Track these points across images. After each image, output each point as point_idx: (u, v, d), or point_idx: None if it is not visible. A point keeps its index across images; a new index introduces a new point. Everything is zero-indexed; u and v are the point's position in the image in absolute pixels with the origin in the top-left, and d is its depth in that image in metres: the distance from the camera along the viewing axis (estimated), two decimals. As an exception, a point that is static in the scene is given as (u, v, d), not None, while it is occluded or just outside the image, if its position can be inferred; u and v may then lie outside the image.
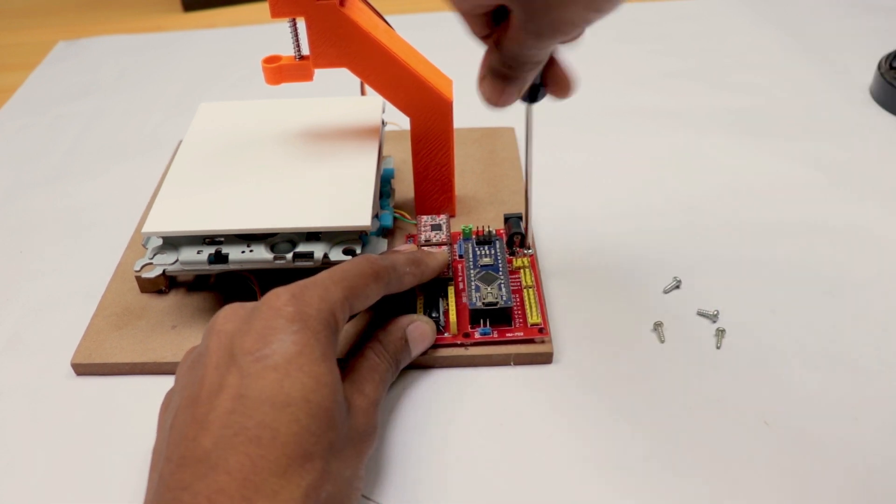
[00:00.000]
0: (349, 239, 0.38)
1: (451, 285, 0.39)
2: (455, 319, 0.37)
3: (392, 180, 0.46)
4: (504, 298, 0.37)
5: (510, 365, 0.37)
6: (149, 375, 0.37)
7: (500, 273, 0.39)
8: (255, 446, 0.25)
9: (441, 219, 0.41)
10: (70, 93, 0.66)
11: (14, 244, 0.47)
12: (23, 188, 0.53)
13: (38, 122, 0.61)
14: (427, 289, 0.39)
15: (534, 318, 0.37)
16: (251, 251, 0.37)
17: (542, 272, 0.42)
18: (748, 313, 0.39)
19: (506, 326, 0.37)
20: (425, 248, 0.39)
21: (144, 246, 0.40)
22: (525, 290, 0.39)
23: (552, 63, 0.33)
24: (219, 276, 0.42)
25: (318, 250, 0.37)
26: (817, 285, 0.41)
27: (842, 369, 0.36)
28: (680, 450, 0.33)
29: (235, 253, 0.37)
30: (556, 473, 0.32)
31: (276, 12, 0.37)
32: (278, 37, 0.55)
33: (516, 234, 0.41)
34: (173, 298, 0.41)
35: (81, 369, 0.38)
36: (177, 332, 0.39)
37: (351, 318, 0.32)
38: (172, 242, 0.38)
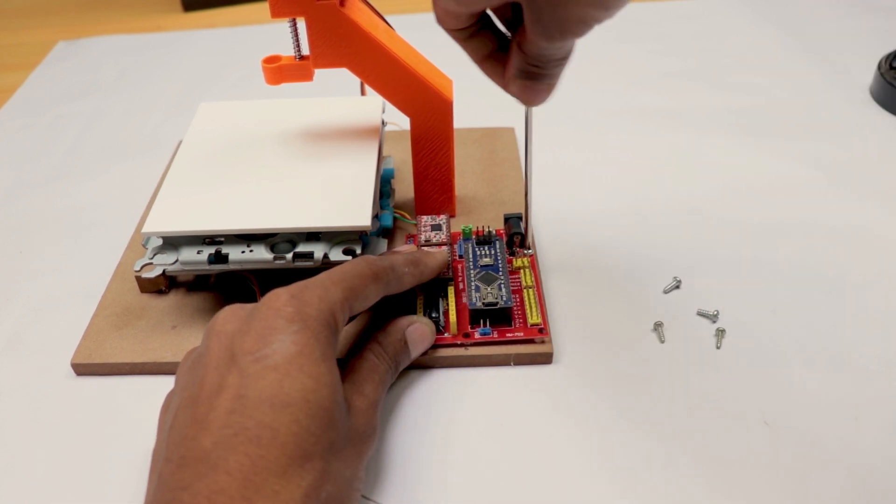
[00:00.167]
0: (349, 239, 0.38)
1: (451, 285, 0.39)
2: (455, 319, 0.37)
3: (392, 180, 0.46)
4: (504, 298, 0.37)
5: (510, 365, 0.37)
6: (149, 375, 0.37)
7: (500, 273, 0.39)
8: (255, 446, 0.25)
9: (441, 219, 0.41)
10: (70, 93, 0.66)
11: (14, 244, 0.47)
12: (23, 188, 0.53)
13: (38, 122, 0.61)
14: (427, 289, 0.39)
15: (534, 318, 0.37)
16: (251, 251, 0.37)
17: (542, 272, 0.42)
18: (748, 313, 0.39)
19: (506, 326, 0.37)
20: (425, 249, 0.39)
21: (144, 246, 0.40)
22: (525, 291, 0.39)
23: None
24: (219, 276, 0.42)
25: (318, 250, 0.37)
26: (817, 285, 0.41)
27: (842, 369, 0.36)
28: (680, 450, 0.33)
29: (235, 253, 0.37)
30: (556, 473, 0.32)
31: (276, 12, 0.37)
32: (278, 37, 0.56)
33: (516, 235, 0.41)
34: (173, 298, 0.41)
35: (81, 369, 0.38)
36: (177, 332, 0.39)
37: (351, 319, 0.32)
38: (172, 242, 0.38)
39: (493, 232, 0.42)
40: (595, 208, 0.47)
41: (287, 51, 0.40)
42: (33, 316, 0.42)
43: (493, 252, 0.41)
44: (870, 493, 0.31)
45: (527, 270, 0.40)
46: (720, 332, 0.38)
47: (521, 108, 0.35)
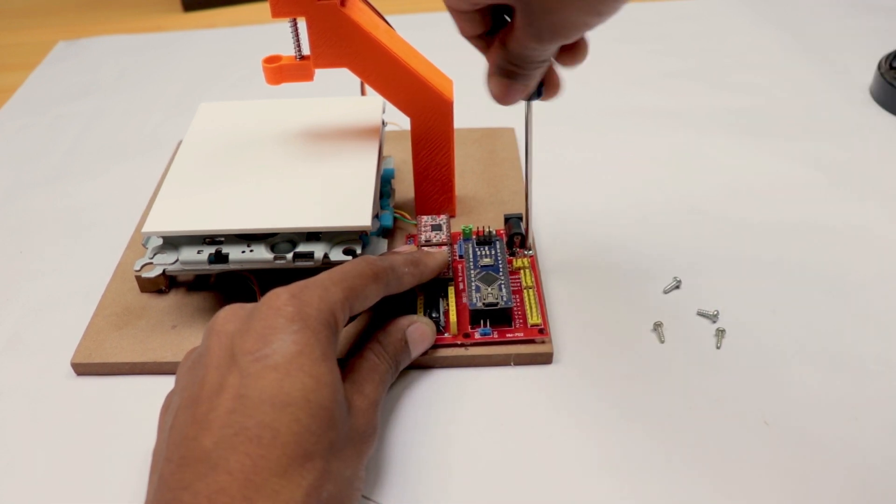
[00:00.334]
0: (349, 239, 0.38)
1: (451, 285, 0.39)
2: (455, 320, 0.37)
3: (392, 180, 0.46)
4: (504, 299, 0.37)
5: (510, 365, 0.37)
6: (149, 375, 0.37)
7: (501, 273, 0.39)
8: (255, 446, 0.25)
9: (441, 219, 0.41)
10: (70, 93, 0.66)
11: (14, 244, 0.47)
12: (23, 188, 0.53)
13: (38, 122, 0.61)
14: (427, 289, 0.39)
15: (534, 318, 0.37)
16: (251, 251, 0.37)
17: (542, 272, 0.42)
18: (748, 313, 0.39)
19: (506, 327, 0.37)
20: (425, 249, 0.39)
21: (144, 246, 0.40)
22: (525, 291, 0.39)
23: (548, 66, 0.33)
24: (219, 276, 0.42)
25: (318, 250, 0.37)
26: (817, 285, 0.41)
27: (842, 369, 0.36)
28: (680, 450, 0.33)
29: (235, 253, 0.37)
30: (557, 473, 0.32)
31: (277, 12, 0.37)
32: (278, 37, 0.55)
33: (516, 235, 0.41)
34: (173, 298, 0.41)
35: (81, 369, 0.38)
36: (177, 332, 0.39)
37: (351, 319, 0.32)
38: (172, 242, 0.38)
39: (494, 232, 0.42)
40: (595, 208, 0.47)
41: (287, 51, 0.40)
42: (33, 316, 0.42)
43: (493, 252, 0.41)
44: (870, 493, 0.31)
45: (527, 271, 0.40)
46: (720, 332, 0.38)
47: (522, 108, 0.35)
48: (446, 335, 0.37)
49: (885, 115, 0.56)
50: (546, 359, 0.37)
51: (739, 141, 0.54)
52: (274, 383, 0.26)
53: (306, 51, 0.39)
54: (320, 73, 0.40)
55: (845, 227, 0.45)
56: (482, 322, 0.37)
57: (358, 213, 0.37)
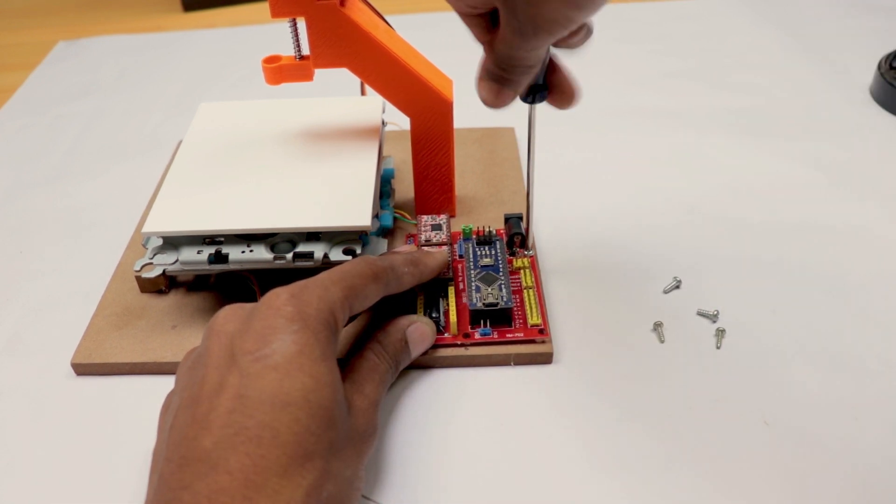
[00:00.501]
0: (349, 239, 0.38)
1: (451, 285, 0.39)
2: (455, 320, 0.37)
3: (392, 180, 0.46)
4: (504, 299, 0.37)
5: (510, 365, 0.37)
6: (149, 375, 0.37)
7: (501, 274, 0.39)
8: (255, 446, 0.25)
9: (441, 219, 0.41)
10: (70, 93, 0.66)
11: (14, 244, 0.47)
12: (23, 188, 0.53)
13: (38, 122, 0.61)
14: (427, 289, 0.39)
15: (534, 318, 0.37)
16: (251, 251, 0.37)
17: (542, 272, 0.42)
18: (748, 313, 0.39)
19: (506, 327, 0.37)
20: (425, 249, 0.39)
21: (144, 246, 0.40)
22: (525, 291, 0.39)
23: (555, 70, 0.33)
24: (219, 276, 0.42)
25: (318, 250, 0.37)
26: (817, 285, 0.41)
27: (842, 369, 0.36)
28: (680, 450, 0.33)
29: (235, 253, 0.37)
30: (556, 473, 0.32)
31: (277, 12, 0.37)
32: (278, 37, 0.55)
33: (516, 235, 0.41)
34: (173, 298, 0.41)
35: (81, 369, 0.38)
36: (177, 332, 0.39)
37: (351, 319, 0.32)
38: (172, 242, 0.38)
39: (494, 232, 0.42)
40: (595, 208, 0.47)
41: (287, 51, 0.40)
42: (33, 316, 0.42)
43: (493, 252, 0.41)
44: (870, 493, 0.31)
45: (527, 271, 0.40)
46: (720, 332, 0.38)
47: (522, 108, 0.35)
48: (446, 335, 0.37)
49: (885, 115, 0.56)
50: (546, 359, 0.37)
51: (739, 141, 0.54)
52: (274, 383, 0.26)
53: (306, 51, 0.39)
54: (320, 73, 0.40)
55: (845, 227, 0.45)
56: (482, 322, 0.37)
57: (358, 213, 0.37)
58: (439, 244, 0.40)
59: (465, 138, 0.53)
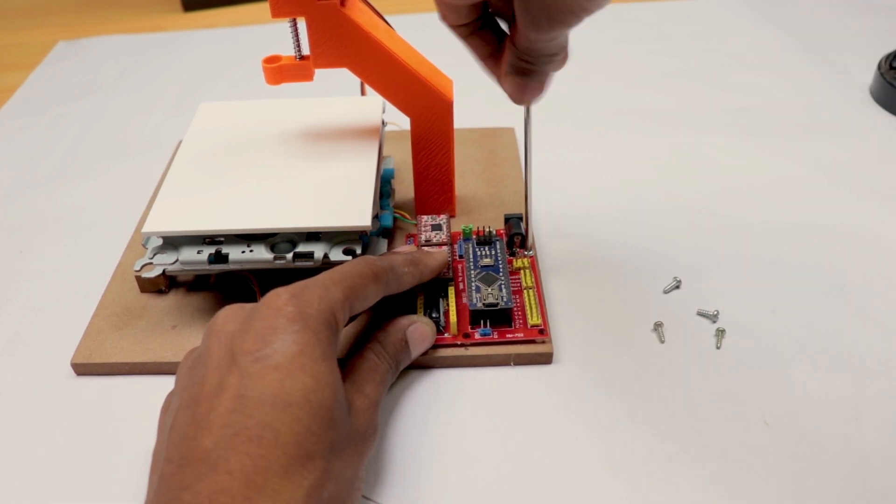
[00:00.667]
0: (349, 239, 0.38)
1: (451, 285, 0.39)
2: (455, 320, 0.37)
3: (392, 180, 0.46)
4: (504, 299, 0.37)
5: (510, 365, 0.37)
6: (149, 375, 0.37)
7: (501, 274, 0.39)
8: (256, 446, 0.25)
9: (441, 219, 0.41)
10: (70, 93, 0.66)
11: (14, 244, 0.47)
12: (23, 188, 0.53)
13: (38, 122, 0.61)
14: (427, 289, 0.39)
15: (534, 319, 0.37)
16: (251, 251, 0.37)
17: (541, 271, 0.42)
18: (748, 313, 0.39)
19: (506, 327, 0.37)
20: (425, 249, 0.39)
21: (144, 246, 0.40)
22: (525, 291, 0.39)
23: None
24: (219, 276, 0.42)
25: (318, 250, 0.37)
26: (817, 285, 0.41)
27: (842, 369, 0.36)
28: (680, 450, 0.33)
29: (235, 253, 0.37)
30: (556, 473, 0.32)
31: (277, 12, 0.37)
32: (278, 37, 0.55)
33: (516, 235, 0.41)
34: (173, 298, 0.41)
35: (81, 369, 0.38)
36: (177, 332, 0.39)
37: (351, 319, 0.32)
38: (172, 242, 0.38)
39: (494, 232, 0.42)
40: (595, 208, 0.47)
41: (287, 51, 0.40)
42: (33, 316, 0.42)
43: (493, 252, 0.41)
44: (870, 493, 0.31)
45: (527, 271, 0.40)
46: (720, 332, 0.38)
47: (522, 107, 0.35)
48: (446, 335, 0.37)
49: (885, 115, 0.56)
50: (546, 359, 0.37)
51: (739, 141, 0.54)
52: (274, 383, 0.26)
53: (306, 51, 0.39)
54: (320, 73, 0.40)
55: (845, 227, 0.45)
56: (482, 322, 0.37)
57: (358, 213, 0.37)
58: (439, 244, 0.40)
59: (465, 138, 0.53)
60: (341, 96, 0.46)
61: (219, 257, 0.37)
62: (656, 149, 0.53)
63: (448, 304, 0.38)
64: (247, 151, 0.42)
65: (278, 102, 0.46)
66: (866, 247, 0.43)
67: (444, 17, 0.32)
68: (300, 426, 0.26)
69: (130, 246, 0.45)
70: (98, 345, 0.38)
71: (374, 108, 0.45)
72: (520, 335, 0.37)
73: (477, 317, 0.37)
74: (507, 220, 0.43)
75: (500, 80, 0.33)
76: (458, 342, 0.37)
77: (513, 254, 0.41)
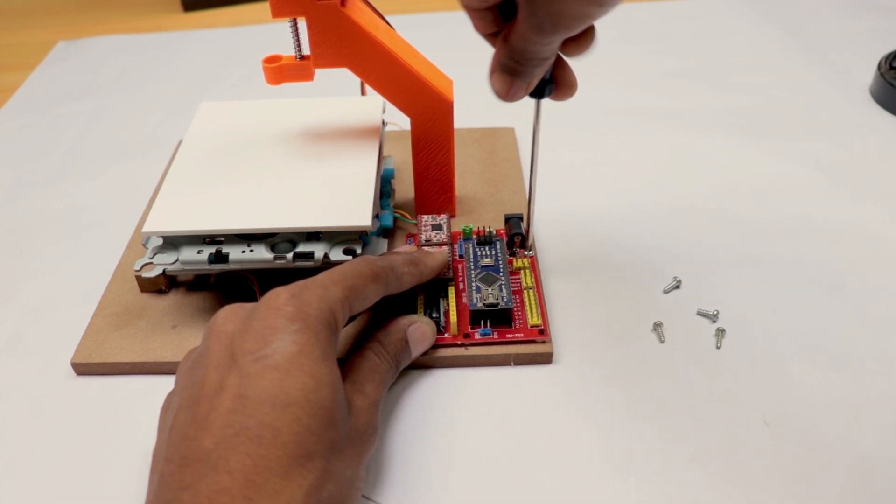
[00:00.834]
0: (349, 239, 0.38)
1: (451, 285, 0.39)
2: (455, 320, 0.37)
3: (392, 180, 0.46)
4: (505, 300, 0.37)
5: (510, 365, 0.37)
6: (149, 375, 0.37)
7: (501, 274, 0.39)
8: (256, 446, 0.25)
9: (441, 218, 0.41)
10: (70, 93, 0.66)
11: (14, 244, 0.47)
12: (23, 188, 0.53)
13: (38, 122, 0.61)
14: (427, 289, 0.39)
15: (534, 319, 0.37)
16: (251, 251, 0.37)
17: (542, 271, 0.42)
18: (748, 313, 0.39)
19: (506, 327, 0.37)
20: (425, 249, 0.39)
21: (144, 246, 0.40)
22: (525, 291, 0.39)
23: (560, 64, 0.33)
24: (219, 276, 0.42)
25: (319, 250, 0.37)
26: (817, 285, 0.41)
27: (842, 369, 0.36)
28: (680, 450, 0.33)
29: (235, 253, 0.37)
30: (556, 473, 0.32)
31: (277, 12, 0.37)
32: (278, 37, 0.55)
33: (517, 235, 0.41)
34: (173, 298, 0.41)
35: (81, 369, 0.38)
36: (177, 332, 0.39)
37: (350, 320, 0.32)
38: (172, 242, 0.38)
39: (494, 232, 0.42)
40: (595, 208, 0.47)
41: (287, 51, 0.40)
42: (33, 316, 0.42)
43: (493, 252, 0.41)
44: (870, 493, 0.31)
45: (527, 271, 0.40)
46: (720, 332, 0.38)
47: (522, 107, 0.35)
48: (446, 335, 0.37)
49: (885, 115, 0.56)
50: (546, 359, 0.37)
51: (739, 141, 0.54)
52: (274, 383, 0.26)
53: (306, 51, 0.39)
54: (320, 73, 0.40)
55: (845, 227, 0.45)
56: (482, 322, 0.37)
57: (358, 213, 0.37)
58: (439, 244, 0.40)
59: (465, 138, 0.53)
60: (341, 96, 0.46)
61: (219, 257, 0.37)
62: (656, 149, 0.53)
63: (448, 304, 0.38)
64: (247, 151, 0.42)
65: (278, 102, 0.46)
66: (866, 247, 0.43)
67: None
68: (300, 426, 0.26)
69: (130, 246, 0.45)
70: (98, 345, 0.38)
71: (374, 108, 0.45)
72: (520, 335, 0.37)
73: (477, 317, 0.37)
74: (507, 220, 0.43)
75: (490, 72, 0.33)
76: (458, 342, 0.37)
77: (513, 254, 0.41)
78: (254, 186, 0.39)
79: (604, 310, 0.40)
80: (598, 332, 0.39)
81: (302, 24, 0.38)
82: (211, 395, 0.27)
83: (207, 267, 0.37)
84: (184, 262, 0.37)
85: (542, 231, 0.45)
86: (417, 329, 0.35)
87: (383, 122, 0.45)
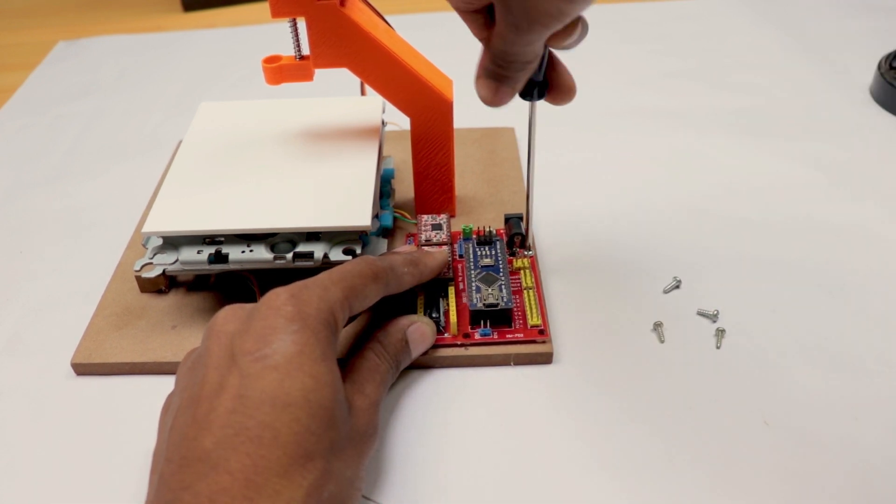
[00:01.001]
0: (349, 239, 0.38)
1: (451, 285, 0.39)
2: (455, 320, 0.37)
3: (392, 180, 0.46)
4: (505, 300, 0.37)
5: (510, 365, 0.37)
6: (149, 375, 0.37)
7: (501, 274, 0.39)
8: (256, 446, 0.25)
9: (441, 218, 0.41)
10: (70, 93, 0.66)
11: (14, 244, 0.47)
12: (23, 188, 0.53)
13: (38, 122, 0.61)
14: (427, 289, 0.39)
15: (534, 319, 0.37)
16: (251, 251, 0.37)
17: (542, 271, 0.42)
18: (748, 313, 0.39)
19: (506, 327, 0.37)
20: (425, 249, 0.39)
21: (144, 246, 0.40)
22: (525, 292, 0.39)
23: (554, 66, 0.33)
24: (219, 276, 0.42)
25: (318, 250, 0.37)
26: (817, 285, 0.41)
27: (842, 369, 0.36)
28: (680, 450, 0.33)
29: (235, 253, 0.37)
30: (556, 473, 0.32)
31: (277, 12, 0.37)
32: (278, 37, 0.55)
33: (517, 235, 0.41)
34: (173, 298, 0.41)
35: (81, 369, 0.38)
36: (177, 332, 0.39)
37: (350, 320, 0.32)
38: (172, 242, 0.38)
39: (494, 232, 0.42)
40: (595, 208, 0.47)
41: (287, 51, 0.40)
42: (33, 316, 0.42)
43: (493, 252, 0.41)
44: (870, 493, 0.31)
45: (527, 271, 0.40)
46: (720, 332, 0.38)
47: (522, 107, 0.35)
48: (446, 335, 0.37)
49: (885, 115, 0.56)
50: (546, 359, 0.37)
51: (739, 141, 0.54)
52: (274, 383, 0.26)
53: (306, 51, 0.39)
54: (320, 73, 0.40)
55: (845, 227, 0.45)
56: (482, 322, 0.37)
57: (358, 213, 0.37)
58: (439, 244, 0.40)
59: (465, 138, 0.53)
60: (341, 96, 0.46)
61: (219, 257, 0.37)
62: (656, 149, 0.53)
63: (448, 304, 0.38)
64: (247, 151, 0.42)
65: (278, 102, 0.46)
66: (866, 247, 0.43)
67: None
68: (300, 426, 0.26)
69: (130, 246, 0.45)
70: (98, 345, 0.38)
71: (374, 108, 0.45)
72: (520, 335, 0.37)
73: (477, 317, 0.37)
74: (507, 220, 0.43)
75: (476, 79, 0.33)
76: (458, 342, 0.37)
77: (513, 254, 0.41)
78: (254, 186, 0.39)
79: (604, 310, 0.40)
80: (598, 332, 0.39)
81: (301, 24, 0.38)
82: (211, 396, 0.27)
83: (207, 267, 0.37)
84: (184, 263, 0.37)
85: (542, 231, 0.45)
86: (417, 329, 0.35)
87: (383, 122, 0.45)
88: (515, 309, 0.38)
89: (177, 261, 0.38)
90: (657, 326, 0.38)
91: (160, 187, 0.42)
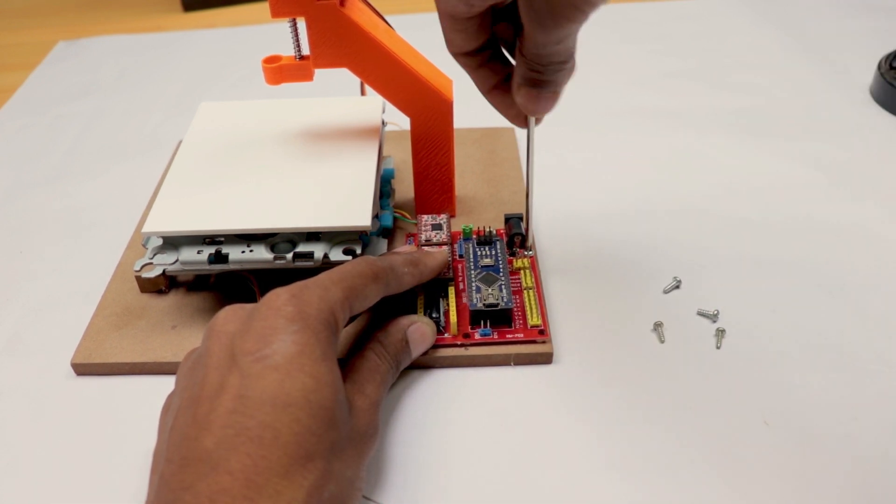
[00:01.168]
0: (349, 239, 0.38)
1: (451, 285, 0.39)
2: (455, 320, 0.37)
3: (392, 180, 0.46)
4: (505, 300, 0.37)
5: (510, 365, 0.37)
6: (149, 375, 0.37)
7: (501, 274, 0.39)
8: (256, 446, 0.25)
9: (441, 218, 0.41)
10: (70, 93, 0.66)
11: (14, 244, 0.47)
12: (23, 188, 0.53)
13: (38, 122, 0.61)
14: (427, 289, 0.39)
15: (534, 319, 0.37)
16: (251, 251, 0.37)
17: (542, 271, 0.42)
18: (748, 313, 0.39)
19: (506, 327, 0.37)
20: (425, 249, 0.39)
21: (144, 246, 0.40)
22: (525, 292, 0.39)
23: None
24: (219, 276, 0.42)
25: (318, 250, 0.37)
26: (817, 285, 0.41)
27: (842, 369, 0.36)
28: (679, 450, 0.33)
29: (235, 253, 0.37)
30: (556, 473, 0.32)
31: (277, 12, 0.37)
32: (278, 37, 0.55)
33: (517, 235, 0.41)
34: (173, 298, 0.41)
35: (81, 369, 0.38)
36: (177, 332, 0.39)
37: (351, 320, 0.32)
38: (172, 242, 0.38)
39: (494, 232, 0.42)
40: (595, 208, 0.47)
41: (287, 51, 0.40)
42: (33, 316, 0.42)
43: (493, 252, 0.41)
44: (870, 493, 0.31)
45: (527, 271, 0.40)
46: (720, 332, 0.38)
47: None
48: (446, 335, 0.37)
49: (885, 115, 0.56)
50: (546, 359, 0.37)
51: (739, 141, 0.54)
52: (274, 383, 0.26)
53: (306, 51, 0.39)
54: (320, 73, 0.40)
55: (845, 227, 0.45)
56: (482, 322, 0.37)
57: (358, 213, 0.37)
58: (439, 244, 0.40)
59: (465, 138, 0.53)
60: (341, 96, 0.46)
61: (219, 257, 0.37)
62: (656, 149, 0.53)
63: (448, 304, 0.38)
64: (247, 151, 0.42)
65: (278, 102, 0.46)
66: (866, 247, 0.43)
67: (451, 43, 0.32)
68: (300, 426, 0.26)
69: (130, 246, 0.45)
70: (98, 345, 0.38)
71: (374, 108, 0.45)
72: (520, 335, 0.37)
73: (477, 317, 0.37)
74: (508, 220, 0.43)
75: (508, 113, 0.34)
76: (458, 342, 0.37)
77: (513, 254, 0.41)
78: (254, 186, 0.39)
79: (604, 310, 0.40)
80: (598, 332, 0.39)
81: (301, 25, 0.38)
82: (211, 396, 0.27)
83: (207, 267, 0.37)
84: (184, 263, 0.37)
85: (542, 231, 0.45)
86: (417, 329, 0.35)
87: (383, 122, 0.45)
88: (515, 309, 0.38)
89: (177, 261, 0.38)
90: (657, 326, 0.38)
91: (160, 187, 0.42)
